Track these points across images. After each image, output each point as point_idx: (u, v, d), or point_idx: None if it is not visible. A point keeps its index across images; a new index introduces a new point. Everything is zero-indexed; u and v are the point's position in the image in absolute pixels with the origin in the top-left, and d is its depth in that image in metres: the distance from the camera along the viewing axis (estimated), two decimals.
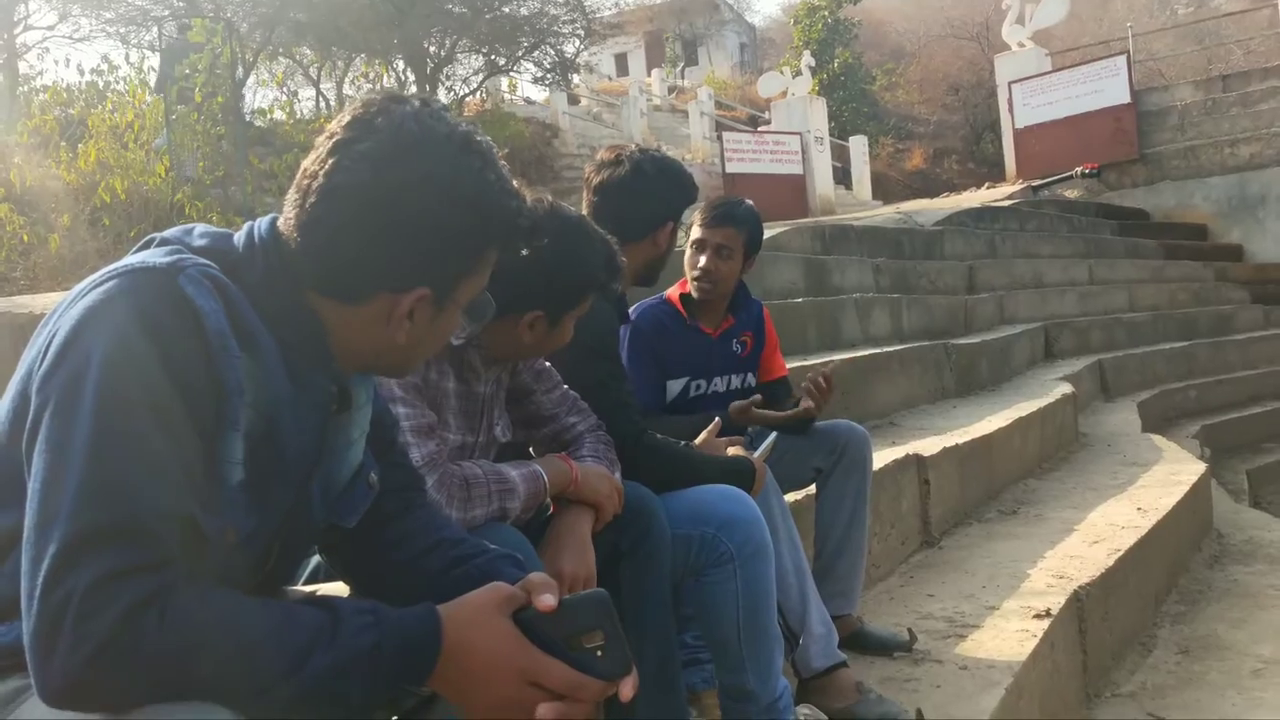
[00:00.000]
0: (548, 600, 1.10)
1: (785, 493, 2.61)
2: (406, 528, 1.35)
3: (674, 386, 2.79)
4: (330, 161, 1.14)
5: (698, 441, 2.38)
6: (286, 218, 1.17)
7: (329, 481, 1.25)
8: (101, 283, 1.05)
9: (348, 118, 1.17)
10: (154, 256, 1.09)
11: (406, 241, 1.15)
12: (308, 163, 1.17)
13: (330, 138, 1.16)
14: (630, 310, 2.70)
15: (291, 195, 1.17)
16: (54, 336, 1.03)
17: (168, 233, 1.17)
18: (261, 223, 1.19)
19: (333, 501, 1.26)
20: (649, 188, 2.44)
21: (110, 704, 0.94)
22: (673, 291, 2.87)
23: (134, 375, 0.99)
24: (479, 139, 1.20)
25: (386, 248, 1.14)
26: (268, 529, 1.16)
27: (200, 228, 1.19)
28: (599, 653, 1.08)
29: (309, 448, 1.19)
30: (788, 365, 3.14)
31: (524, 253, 1.31)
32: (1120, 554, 3.56)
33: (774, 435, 2.57)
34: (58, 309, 1.07)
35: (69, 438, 0.97)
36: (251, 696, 0.98)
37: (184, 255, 1.09)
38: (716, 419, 2.47)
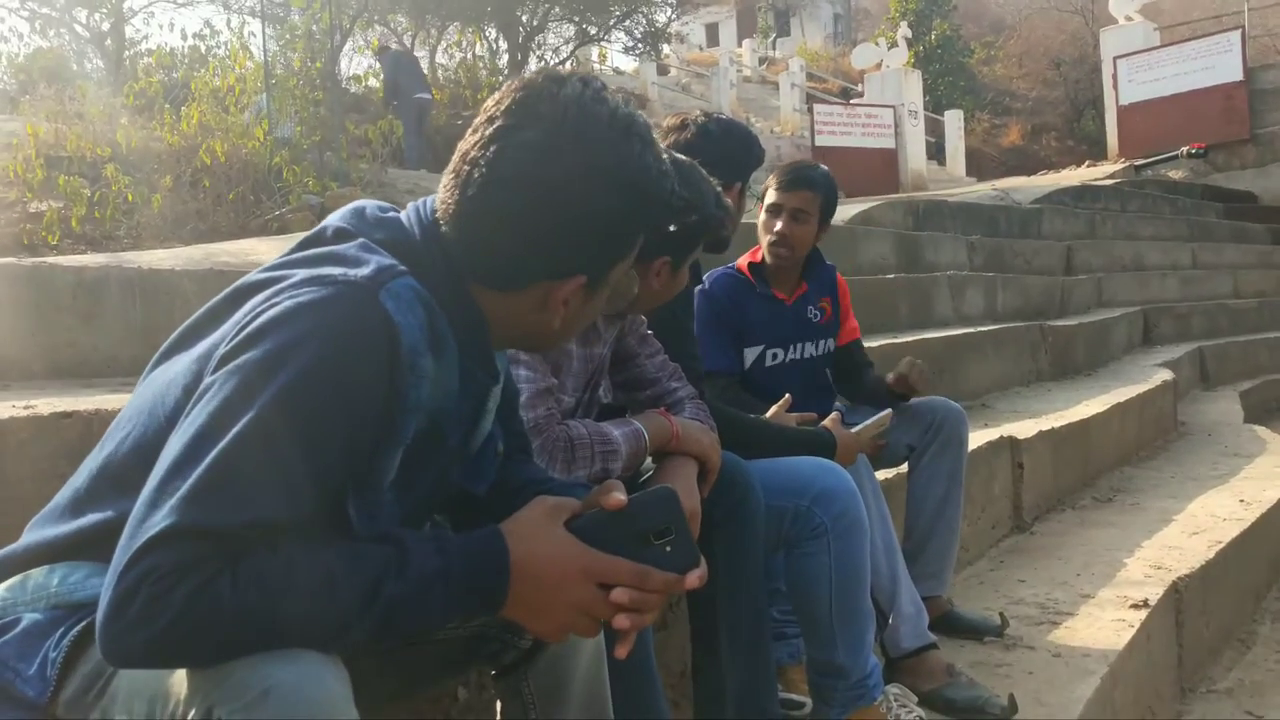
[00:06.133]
0: (618, 498, 1.10)
1: (876, 469, 2.57)
2: (510, 480, 1.37)
3: (749, 355, 2.74)
4: (492, 149, 1.11)
5: (768, 415, 2.35)
6: (444, 203, 1.15)
7: (465, 453, 1.27)
8: (307, 285, 1.05)
9: (508, 102, 1.13)
10: (356, 268, 1.07)
11: (569, 232, 1.13)
12: (466, 147, 1.14)
13: (490, 122, 1.12)
14: (704, 277, 2.68)
15: (448, 180, 1.15)
16: (247, 326, 1.03)
17: (343, 220, 1.17)
18: (426, 208, 1.18)
19: (464, 469, 1.28)
20: (715, 150, 2.38)
21: (183, 664, 0.96)
22: (742, 261, 2.82)
23: (309, 388, 0.99)
24: (639, 120, 1.17)
25: (549, 238, 1.13)
26: (409, 507, 1.18)
27: (369, 209, 1.19)
28: (668, 549, 1.10)
29: (464, 436, 1.21)
30: (879, 342, 3.09)
31: (672, 229, 1.29)
32: (1221, 546, 3.46)
33: (886, 412, 2.49)
34: (256, 299, 1.06)
35: (218, 428, 0.97)
36: (333, 636, 0.99)
37: (384, 264, 1.09)
38: (787, 395, 2.43)
